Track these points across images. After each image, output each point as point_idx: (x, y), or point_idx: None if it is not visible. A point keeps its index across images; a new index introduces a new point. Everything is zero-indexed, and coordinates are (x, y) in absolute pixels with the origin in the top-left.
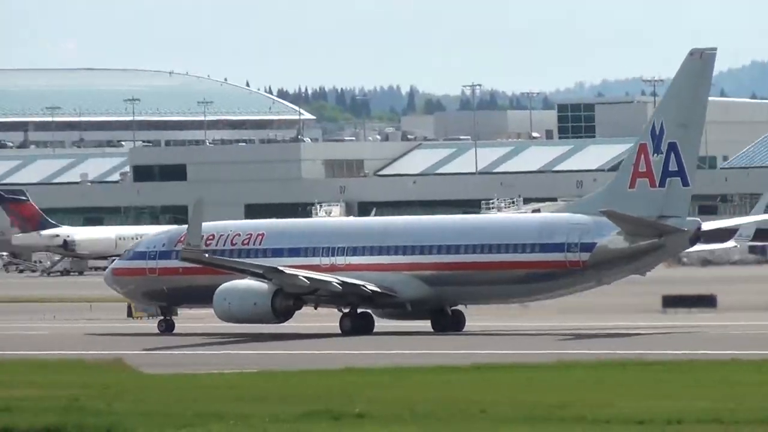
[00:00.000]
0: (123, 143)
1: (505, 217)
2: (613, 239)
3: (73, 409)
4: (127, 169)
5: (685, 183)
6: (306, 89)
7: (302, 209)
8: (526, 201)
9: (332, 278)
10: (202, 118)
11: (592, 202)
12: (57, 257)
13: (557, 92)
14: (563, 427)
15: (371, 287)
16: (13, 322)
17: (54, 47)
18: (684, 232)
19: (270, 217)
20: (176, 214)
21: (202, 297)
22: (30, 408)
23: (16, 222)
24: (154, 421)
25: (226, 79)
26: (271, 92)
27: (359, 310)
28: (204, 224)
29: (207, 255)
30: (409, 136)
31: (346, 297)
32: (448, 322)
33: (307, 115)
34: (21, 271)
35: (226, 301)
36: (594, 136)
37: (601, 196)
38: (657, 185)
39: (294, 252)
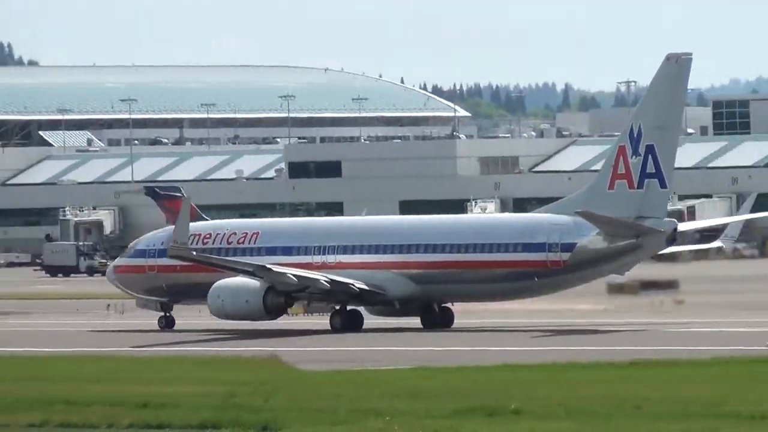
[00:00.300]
0: (278, 140)
1: (490, 217)
2: (592, 239)
3: (229, 406)
4: (283, 166)
5: (663, 185)
6: (461, 86)
7: (457, 206)
8: (681, 198)
9: (320, 276)
10: (357, 114)
11: (573, 202)
12: None
13: (712, 88)
14: (720, 423)
15: (359, 285)
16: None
17: (211, 44)
18: (661, 232)
19: (425, 213)
20: (331, 210)
21: (200, 293)
22: (186, 404)
23: (171, 218)
24: (309, 418)
25: (381, 76)
26: (425, 89)
27: (348, 308)
28: (201, 223)
29: (194, 253)
30: (563, 133)
31: (336, 295)
32: (437, 319)
33: (462, 112)
34: None
35: (220, 298)
36: (749, 132)
37: (581, 197)
38: (635, 187)
39: (287, 251)
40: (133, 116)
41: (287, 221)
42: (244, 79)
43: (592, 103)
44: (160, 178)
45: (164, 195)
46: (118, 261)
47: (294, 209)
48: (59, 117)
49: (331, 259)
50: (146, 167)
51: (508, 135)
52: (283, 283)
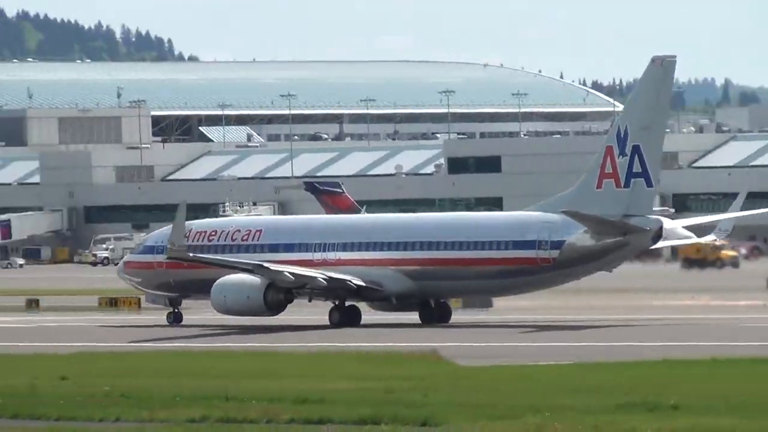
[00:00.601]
0: (437, 135)
1: (483, 215)
2: (580, 237)
3: (388, 401)
4: (442, 161)
5: (649, 184)
6: (620, 81)
7: None
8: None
9: (318, 273)
10: (516, 110)
11: (563, 201)
12: None
13: None
14: None
15: (357, 281)
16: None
17: (374, 41)
18: (647, 231)
19: None
20: (491, 206)
21: (206, 289)
22: (344, 400)
23: (331, 213)
24: (468, 413)
25: (540, 71)
26: (585, 84)
27: (347, 304)
28: (206, 221)
29: (191, 254)
30: (723, 128)
31: (335, 291)
32: (434, 315)
33: (621, 107)
34: None
35: (222, 294)
36: None
37: (570, 196)
38: (622, 186)
39: (289, 248)
40: (293, 112)
41: (289, 219)
42: (404, 75)
43: (752, 98)
44: (319, 174)
45: (324, 190)
46: (128, 257)
47: (453, 204)
48: (219, 112)
49: (331, 256)
50: (306, 162)
51: (668, 130)
52: (282, 280)
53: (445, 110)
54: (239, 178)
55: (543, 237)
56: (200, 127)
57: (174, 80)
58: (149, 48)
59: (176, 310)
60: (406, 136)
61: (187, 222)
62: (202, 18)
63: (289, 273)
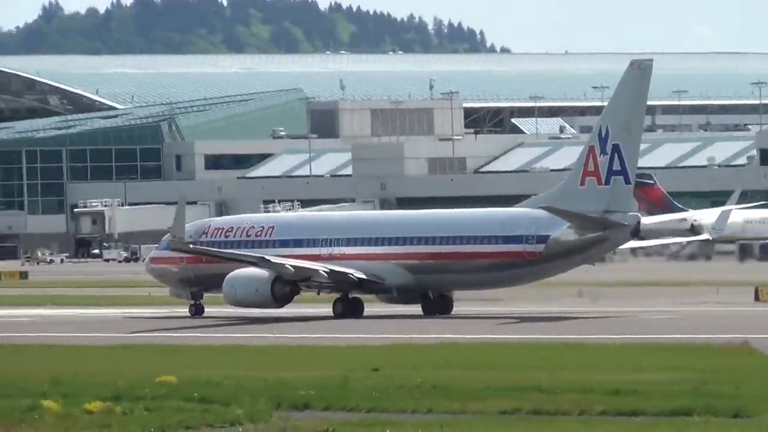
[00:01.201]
0: (749, 127)
1: (476, 211)
2: (564, 232)
3: (701, 393)
4: (754, 152)
5: (627, 181)
6: None
7: None
8: None
9: (320, 266)
10: None
11: (549, 198)
12: None
13: None
14: None
15: (359, 275)
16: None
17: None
18: (625, 226)
19: None
20: None
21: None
22: (657, 391)
23: (644, 206)
24: None
25: None
26: None
27: (350, 296)
28: (224, 218)
29: (191, 246)
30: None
31: (339, 283)
32: (436, 306)
33: None
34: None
35: (233, 287)
36: None
37: (556, 193)
38: (603, 183)
39: (298, 243)
40: (604, 103)
41: (300, 216)
42: (716, 66)
43: None
44: None
45: (637, 182)
46: (154, 253)
47: (764, 196)
48: (531, 104)
49: (336, 250)
50: None
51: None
52: (286, 273)
53: (757, 101)
54: (551, 170)
55: (530, 232)
56: (512, 119)
57: (486, 72)
58: (461, 40)
59: (198, 303)
60: (718, 128)
61: (206, 219)
62: (513, 10)
63: (290, 266)
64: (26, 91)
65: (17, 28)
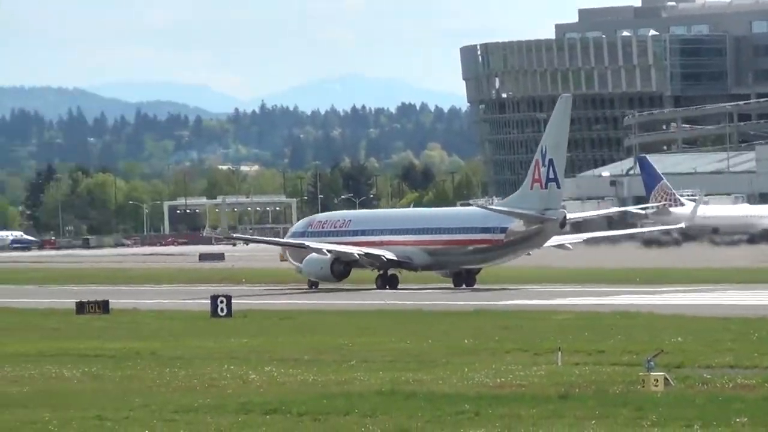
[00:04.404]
0: None
1: (467, 210)
2: (516, 225)
3: None
4: None
5: (558, 186)
6: None
7: None
8: None
9: (355, 249)
10: None
11: (513, 199)
12: None
13: None
14: None
15: (389, 256)
16: None
17: None
18: (555, 220)
19: None
20: None
21: None
22: None
23: None
24: None
25: None
26: None
27: (390, 272)
28: (324, 214)
29: (233, 235)
30: None
31: (377, 262)
32: (462, 280)
33: None
34: None
35: (307, 267)
36: None
37: (516, 195)
38: (544, 188)
39: (362, 233)
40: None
41: (367, 212)
42: None
43: None
44: None
45: None
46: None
47: None
48: None
49: (386, 238)
50: None
51: None
52: (345, 255)
53: None
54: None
55: (495, 224)
56: None
57: None
58: None
59: (313, 279)
60: None
61: (313, 215)
62: None
63: (327, 250)
64: None
65: None
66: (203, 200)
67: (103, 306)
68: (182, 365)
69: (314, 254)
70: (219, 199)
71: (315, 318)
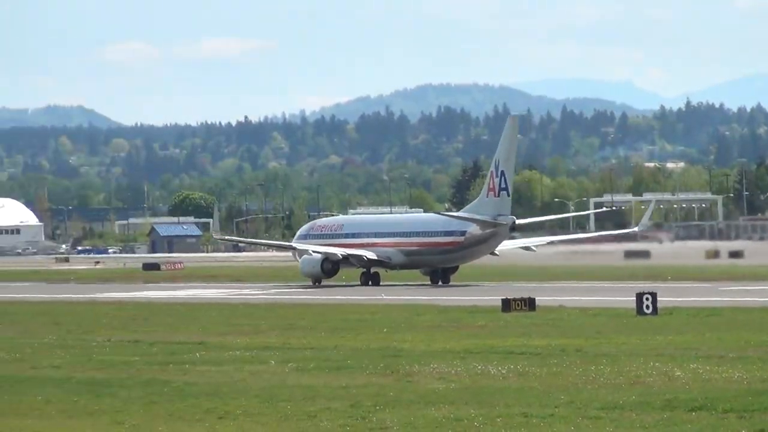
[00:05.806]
0: None
1: (434, 216)
2: (474, 229)
3: None
4: None
5: (508, 195)
6: None
7: None
8: None
9: (337, 250)
10: None
11: (473, 206)
12: None
13: None
14: None
15: (370, 255)
16: None
17: None
18: (505, 225)
19: None
20: None
21: None
22: None
23: None
24: None
25: None
26: None
27: (372, 271)
28: (323, 219)
29: (227, 237)
30: None
31: (360, 262)
32: (438, 277)
33: None
34: None
35: (302, 265)
36: None
37: (475, 203)
38: (497, 196)
39: (350, 236)
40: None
41: (356, 218)
42: None
43: None
44: None
45: None
46: (294, 243)
47: None
48: None
49: (370, 240)
50: None
51: None
52: (332, 255)
53: None
54: None
55: (456, 228)
56: None
57: None
58: None
59: (308, 276)
60: None
61: (316, 220)
62: None
63: (313, 250)
64: None
65: None
66: (629, 197)
67: (530, 303)
68: (607, 362)
69: (307, 255)
70: (645, 196)
71: (741, 315)
